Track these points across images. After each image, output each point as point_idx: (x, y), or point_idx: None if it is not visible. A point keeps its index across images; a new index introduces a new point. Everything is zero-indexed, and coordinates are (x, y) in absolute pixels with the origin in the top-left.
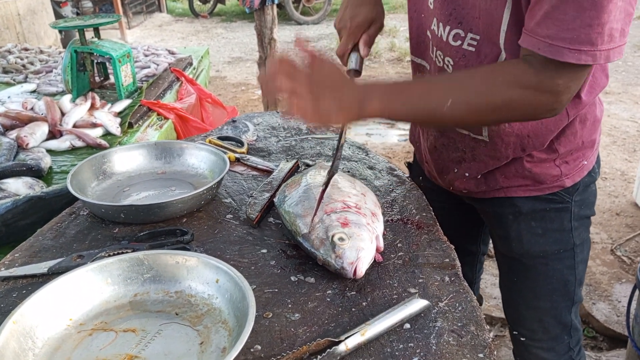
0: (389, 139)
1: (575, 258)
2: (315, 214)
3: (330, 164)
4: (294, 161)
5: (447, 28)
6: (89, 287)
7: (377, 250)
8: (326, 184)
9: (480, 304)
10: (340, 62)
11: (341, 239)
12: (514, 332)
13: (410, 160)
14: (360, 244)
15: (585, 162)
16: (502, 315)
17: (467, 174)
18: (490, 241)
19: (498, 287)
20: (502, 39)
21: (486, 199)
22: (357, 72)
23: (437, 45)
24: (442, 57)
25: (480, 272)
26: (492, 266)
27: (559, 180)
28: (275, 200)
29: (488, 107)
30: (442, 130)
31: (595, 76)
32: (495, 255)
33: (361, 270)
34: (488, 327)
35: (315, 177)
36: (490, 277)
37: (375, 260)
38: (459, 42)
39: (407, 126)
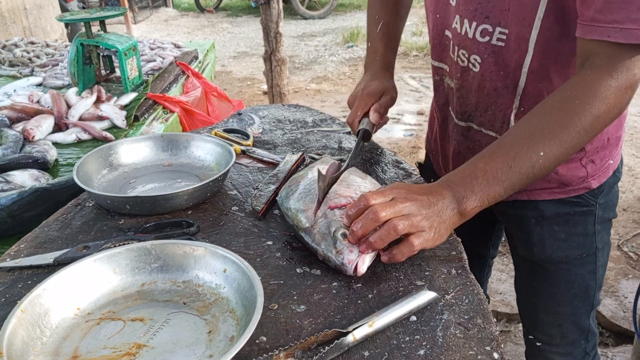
0: (394, 134)
1: (596, 262)
2: (317, 208)
3: (339, 157)
4: (300, 154)
5: (474, 24)
6: (96, 277)
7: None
8: (335, 178)
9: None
10: (351, 130)
11: (344, 235)
12: (530, 337)
13: (421, 159)
14: (362, 241)
15: (611, 162)
16: (507, 311)
17: None
18: (502, 242)
19: (503, 282)
20: (534, 32)
21: (507, 202)
22: (367, 132)
23: (459, 43)
24: (466, 55)
25: (489, 275)
26: (498, 262)
27: (584, 182)
28: (277, 198)
29: (581, 135)
30: (466, 134)
31: None
32: (513, 257)
33: (362, 268)
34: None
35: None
36: (495, 272)
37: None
38: (487, 38)
39: (413, 120)
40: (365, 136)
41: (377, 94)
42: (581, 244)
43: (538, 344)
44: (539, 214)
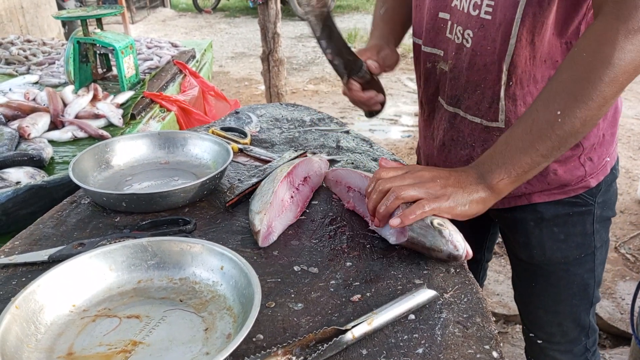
0: (391, 135)
1: (595, 261)
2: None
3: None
4: (302, 152)
5: None
6: (92, 274)
7: None
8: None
9: None
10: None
11: (440, 224)
12: (530, 335)
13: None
14: (454, 226)
15: (608, 159)
16: (505, 312)
17: None
18: (498, 244)
19: (500, 284)
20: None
21: (505, 207)
22: (365, 79)
23: (457, 20)
24: (461, 32)
25: (484, 279)
26: (495, 263)
27: (583, 181)
28: (250, 199)
29: (598, 86)
30: (452, 122)
31: None
32: (510, 258)
33: (470, 250)
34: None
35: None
36: (492, 273)
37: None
38: (477, 12)
39: (411, 122)
40: (357, 63)
41: (374, 50)
42: (580, 243)
43: (539, 341)
44: (538, 217)
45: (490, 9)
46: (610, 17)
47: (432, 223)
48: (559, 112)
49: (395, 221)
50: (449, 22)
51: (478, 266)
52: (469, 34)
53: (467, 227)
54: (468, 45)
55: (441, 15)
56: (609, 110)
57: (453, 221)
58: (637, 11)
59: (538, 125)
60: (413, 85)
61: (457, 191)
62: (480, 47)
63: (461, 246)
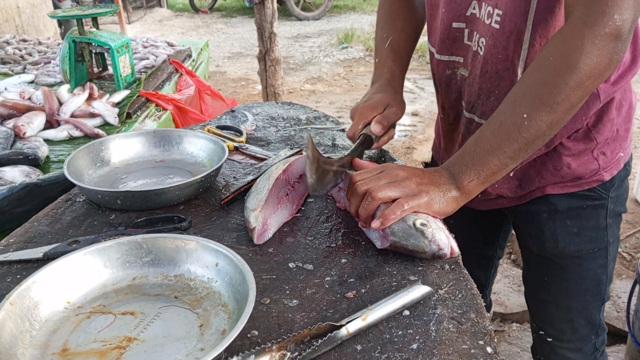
0: None
1: (607, 257)
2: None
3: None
4: (297, 150)
5: (484, 5)
6: (87, 271)
7: None
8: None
9: (489, 311)
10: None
11: (423, 224)
12: (540, 332)
13: (417, 160)
14: (439, 224)
15: (622, 154)
16: (502, 311)
17: None
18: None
19: (497, 282)
20: (533, 2)
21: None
22: (368, 136)
23: (476, 28)
24: (478, 39)
25: (494, 277)
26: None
27: (597, 175)
28: (245, 197)
29: (564, 91)
30: (469, 127)
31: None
32: (522, 252)
33: (455, 248)
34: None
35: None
36: None
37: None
38: (489, 20)
39: (407, 121)
40: (366, 141)
41: (381, 107)
42: (593, 237)
43: (549, 339)
44: (551, 208)
45: (499, 19)
46: (578, 22)
47: (414, 224)
48: (525, 116)
49: (375, 223)
50: (466, 30)
51: (489, 263)
52: (482, 42)
53: (480, 225)
54: (481, 53)
55: (455, 25)
56: (623, 105)
57: (454, 216)
58: (605, 17)
59: (505, 128)
60: (410, 85)
61: (433, 189)
62: (490, 55)
63: (444, 244)
